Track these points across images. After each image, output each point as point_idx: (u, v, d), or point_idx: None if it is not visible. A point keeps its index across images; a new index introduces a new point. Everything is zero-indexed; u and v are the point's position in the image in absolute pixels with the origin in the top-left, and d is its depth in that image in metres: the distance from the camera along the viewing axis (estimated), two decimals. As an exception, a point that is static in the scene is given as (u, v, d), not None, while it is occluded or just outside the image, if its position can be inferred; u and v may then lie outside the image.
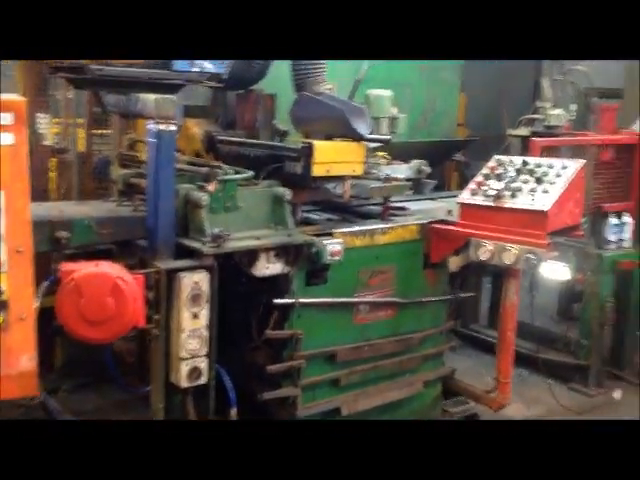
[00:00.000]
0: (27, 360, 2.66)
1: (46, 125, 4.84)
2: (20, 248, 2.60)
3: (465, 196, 4.01)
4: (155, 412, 3.35)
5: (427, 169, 4.68)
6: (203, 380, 3.37)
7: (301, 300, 3.72)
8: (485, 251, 3.83)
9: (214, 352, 3.41)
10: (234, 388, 3.63)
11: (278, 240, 3.59)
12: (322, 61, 4.46)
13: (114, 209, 3.70)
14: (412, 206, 4.54)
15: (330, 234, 3.79)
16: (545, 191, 3.82)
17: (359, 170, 3.93)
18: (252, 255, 3.54)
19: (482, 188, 3.97)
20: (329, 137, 3.96)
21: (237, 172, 3.74)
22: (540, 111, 5.63)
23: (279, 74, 4.81)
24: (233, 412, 3.62)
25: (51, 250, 3.24)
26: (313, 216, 4.31)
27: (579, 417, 4.78)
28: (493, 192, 3.90)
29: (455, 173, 6.98)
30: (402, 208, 4.40)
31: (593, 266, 5.10)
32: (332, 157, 3.81)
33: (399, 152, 4.64)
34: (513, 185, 3.88)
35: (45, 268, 3.02)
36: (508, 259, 3.77)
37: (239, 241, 3.49)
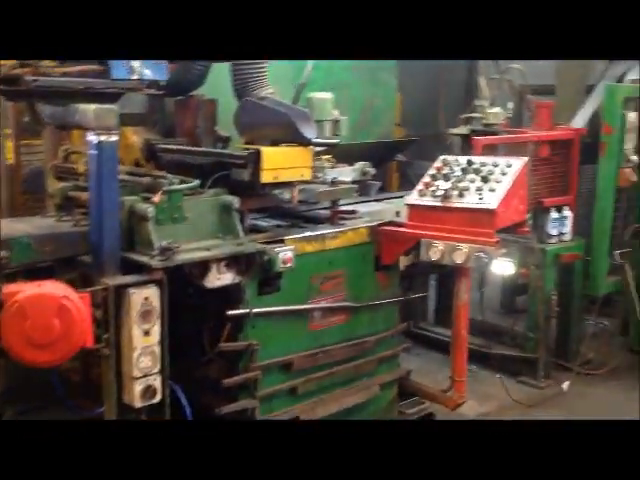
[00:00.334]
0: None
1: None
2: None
3: (413, 197, 4.01)
4: (109, 434, 3.22)
5: (372, 170, 4.68)
6: (157, 398, 3.25)
7: (255, 310, 3.64)
8: (436, 251, 3.85)
9: (167, 369, 3.31)
10: (188, 404, 3.54)
11: (229, 250, 3.50)
12: (263, 64, 4.40)
13: (54, 225, 3.54)
14: (359, 208, 4.51)
15: (281, 241, 3.73)
16: (492, 189, 3.85)
17: (307, 175, 3.89)
18: (203, 266, 3.44)
19: (430, 189, 3.98)
20: (275, 143, 3.90)
21: (182, 181, 3.64)
22: (478, 109, 5.69)
23: (219, 79, 4.73)
24: (189, 429, 3.52)
25: (-11, 271, 3.07)
26: (261, 223, 4.23)
27: (531, 410, 4.87)
28: (441, 192, 3.91)
29: (396, 173, 7.01)
30: (351, 211, 4.37)
31: (537, 260, 5.19)
32: (280, 163, 3.75)
33: (342, 154, 4.62)
34: (460, 185, 3.91)
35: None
36: (459, 258, 3.79)
37: (189, 253, 3.39)
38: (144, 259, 3.26)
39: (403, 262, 4.32)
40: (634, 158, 5.46)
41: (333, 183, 4.19)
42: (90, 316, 3.02)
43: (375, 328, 4.24)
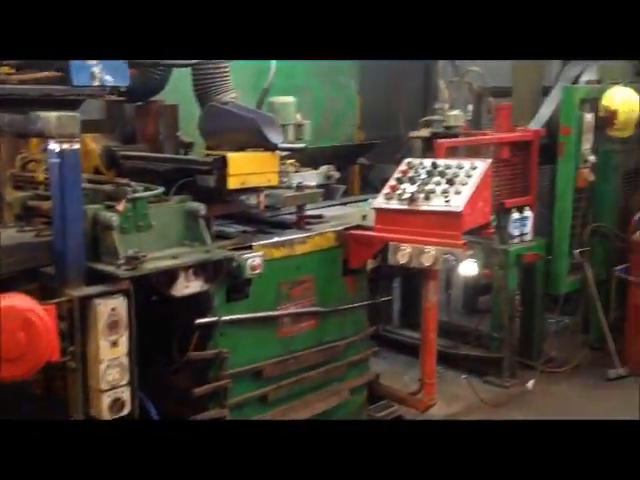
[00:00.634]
0: None
1: None
2: None
3: (380, 200, 4.02)
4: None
5: (336, 174, 4.68)
6: (126, 411, 3.18)
7: (224, 318, 3.61)
8: (404, 254, 3.86)
9: (136, 380, 3.24)
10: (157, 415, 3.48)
11: (197, 257, 3.45)
12: (226, 69, 4.37)
13: (14, 235, 3.43)
14: (325, 213, 4.51)
15: (249, 247, 3.69)
16: (457, 192, 3.88)
17: (274, 180, 3.86)
18: (170, 275, 3.38)
19: (396, 192, 3.99)
20: (241, 148, 3.86)
21: (146, 189, 3.57)
22: (438, 112, 5.74)
23: (180, 84, 4.68)
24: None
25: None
26: (227, 229, 4.19)
27: (496, 410, 4.92)
28: (407, 195, 3.92)
29: (358, 177, 7.02)
30: (318, 216, 4.35)
31: (500, 261, 5.25)
32: (247, 168, 3.72)
33: (305, 158, 4.61)
34: (426, 187, 3.93)
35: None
36: (427, 261, 3.80)
37: (156, 261, 3.32)
38: (110, 269, 3.19)
39: (368, 265, 4.32)
40: (591, 158, 5.56)
41: (299, 188, 4.17)
42: (56, 329, 2.93)
43: (344, 332, 4.24)
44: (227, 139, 3.92)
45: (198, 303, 3.59)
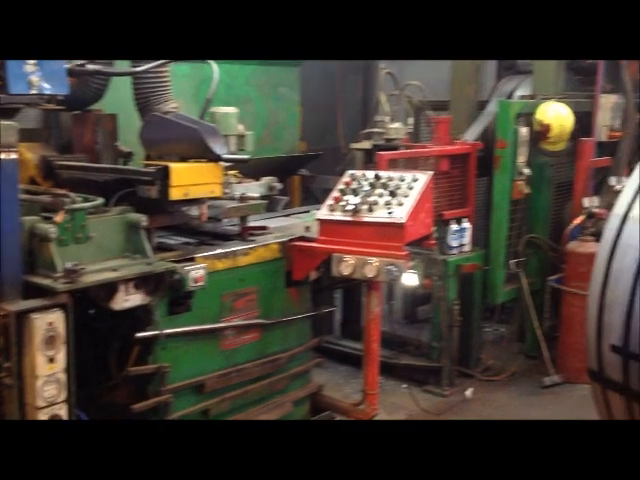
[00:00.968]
0: None
1: None
2: None
3: (324, 212, 4.03)
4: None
5: (278, 185, 4.67)
6: (64, 428, 3.10)
7: (165, 331, 3.54)
8: (347, 265, 3.87)
9: (74, 397, 3.15)
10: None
11: (138, 270, 3.39)
12: (166, 78, 4.32)
13: (-54, 248, 3.30)
14: (268, 224, 4.49)
15: (192, 259, 3.65)
16: (400, 203, 3.92)
17: (218, 191, 3.83)
18: (110, 288, 3.31)
19: (340, 203, 4.00)
20: (184, 158, 3.82)
21: (85, 199, 3.49)
22: (379, 125, 5.80)
23: (119, 93, 4.60)
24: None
25: None
26: (168, 241, 4.13)
27: (439, 417, 4.98)
28: (351, 207, 3.94)
29: (299, 188, 7.04)
30: (261, 227, 4.34)
31: (439, 271, 5.33)
32: (190, 179, 3.67)
33: (247, 169, 4.60)
34: (369, 199, 3.96)
35: None
36: (370, 272, 3.83)
37: (95, 274, 3.25)
38: (47, 282, 3.11)
39: (311, 277, 4.33)
40: (526, 171, 5.72)
41: (242, 199, 4.15)
42: (-10, 344, 2.83)
43: (288, 344, 4.23)
44: (169, 149, 3.87)
45: (138, 317, 3.52)
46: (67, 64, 3.68)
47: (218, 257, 3.80)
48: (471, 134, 6.11)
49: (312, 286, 4.43)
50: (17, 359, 2.98)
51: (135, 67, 4.14)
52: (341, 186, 4.13)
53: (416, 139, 6.52)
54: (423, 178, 4.11)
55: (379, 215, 3.88)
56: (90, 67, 4.00)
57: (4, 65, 3.20)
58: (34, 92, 3.33)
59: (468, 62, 6.49)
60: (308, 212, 5.11)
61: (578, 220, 5.80)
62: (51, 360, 3.04)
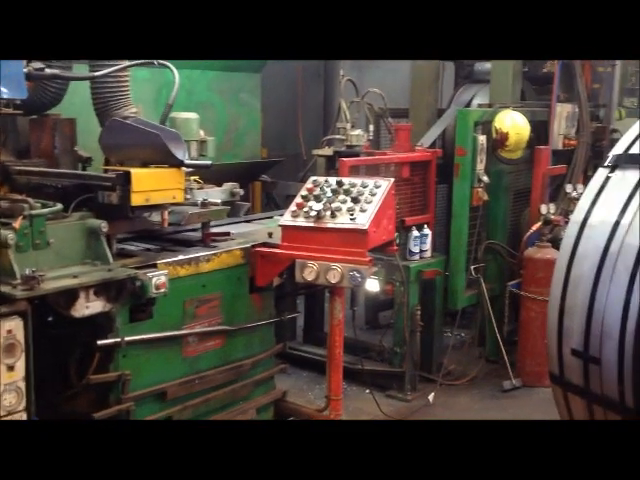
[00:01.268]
0: None
1: None
2: None
3: (287, 218, 4.02)
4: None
5: (240, 191, 4.66)
6: (23, 438, 3.02)
7: (127, 338, 3.49)
8: (311, 271, 3.86)
9: (33, 406, 3.09)
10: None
11: (99, 277, 3.33)
12: (126, 83, 4.28)
13: None
14: (230, 230, 4.46)
15: (154, 265, 3.60)
16: (363, 210, 3.93)
17: (180, 197, 3.80)
18: (70, 295, 3.26)
19: (302, 209, 4.00)
20: (145, 164, 3.77)
21: (44, 205, 3.43)
22: (340, 131, 5.83)
23: (77, 97, 4.55)
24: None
25: None
26: (129, 247, 4.07)
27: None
28: (314, 213, 3.94)
29: (260, 193, 7.03)
30: (224, 233, 4.31)
31: (401, 277, 5.36)
32: (151, 185, 3.63)
33: (209, 175, 4.57)
34: (332, 205, 3.96)
35: None
36: (333, 278, 3.83)
37: (55, 281, 3.19)
38: (5, 289, 3.03)
39: (274, 283, 4.32)
40: (485, 179, 5.80)
41: (204, 205, 4.12)
42: (-54, 353, 2.76)
43: (251, 350, 4.20)
44: (130, 155, 3.82)
45: (99, 324, 3.47)
46: (25, 68, 3.62)
47: (180, 263, 3.76)
48: (428, 139, 6.17)
49: (275, 292, 4.42)
50: (-26, 368, 2.91)
51: (94, 71, 4.09)
52: (304, 192, 4.12)
53: (377, 146, 6.57)
54: (385, 185, 4.12)
55: (342, 221, 3.89)
56: (48, 71, 3.94)
57: (-40, 69, 3.14)
58: (-9, 96, 3.27)
59: (427, 70, 6.58)
60: (271, 218, 5.11)
61: (535, 227, 5.91)
62: (10, 368, 2.98)
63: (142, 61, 4.21)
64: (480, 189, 5.80)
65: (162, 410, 3.72)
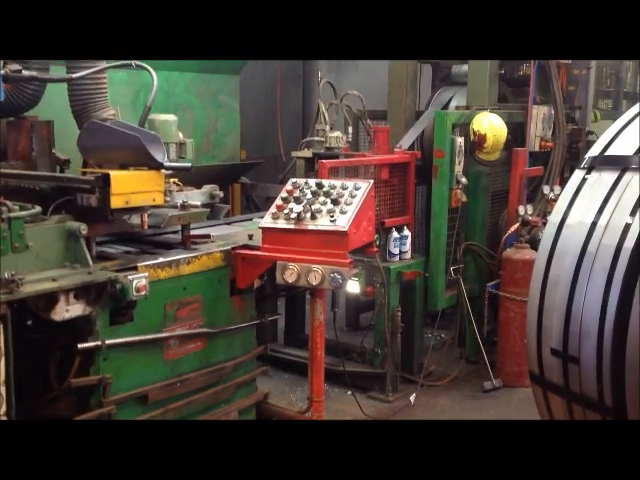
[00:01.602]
0: None
1: None
2: None
3: (267, 220, 4.02)
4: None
5: (220, 193, 4.65)
6: (2, 443, 2.99)
7: (107, 342, 3.47)
8: (292, 273, 3.87)
9: (13, 410, 3.06)
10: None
11: (78, 280, 3.32)
12: (103, 85, 4.25)
13: None
14: (210, 232, 4.45)
15: (134, 268, 3.59)
16: (343, 211, 3.95)
17: (159, 199, 3.79)
18: (50, 298, 3.23)
19: (283, 211, 4.01)
20: (124, 166, 3.75)
21: (22, 208, 3.40)
22: (319, 133, 5.84)
23: (54, 99, 4.51)
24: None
25: None
26: (108, 250, 4.05)
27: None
28: (294, 215, 3.95)
29: (239, 196, 7.01)
30: (205, 235, 4.30)
31: (381, 278, 5.38)
32: (131, 187, 3.62)
33: (188, 177, 4.56)
34: (312, 207, 3.97)
35: None
36: (314, 280, 3.84)
37: (34, 284, 3.17)
38: (-16, 293, 3.00)
39: (255, 285, 4.31)
40: (463, 180, 5.84)
41: (183, 207, 4.10)
42: None
43: (233, 353, 4.20)
44: (109, 157, 3.80)
45: (79, 327, 3.45)
46: (2, 70, 3.58)
47: (161, 266, 3.75)
48: (407, 141, 6.20)
49: (256, 294, 4.42)
50: (-48, 373, 2.88)
51: (72, 73, 4.06)
52: (284, 194, 4.13)
53: (356, 148, 6.59)
54: (365, 186, 4.14)
55: (322, 223, 3.90)
56: (26, 73, 3.90)
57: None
58: (-33, 98, 3.23)
59: (405, 73, 6.61)
60: (251, 220, 5.10)
61: (513, 228, 5.96)
62: (-11, 373, 2.95)
63: (120, 63, 4.20)
64: (459, 190, 5.84)
65: (144, 413, 3.71)
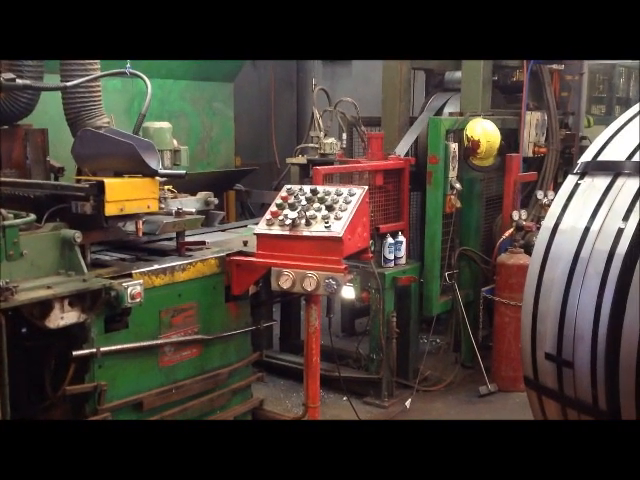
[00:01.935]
0: None
1: None
2: None
3: (262, 226, 4.03)
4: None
5: (214, 200, 4.66)
6: (-3, 451, 2.98)
7: (102, 349, 3.47)
8: (287, 279, 3.87)
9: (8, 416, 3.06)
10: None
11: (73, 287, 3.32)
12: (97, 93, 4.27)
13: None
14: (205, 239, 4.46)
15: (129, 275, 3.59)
16: (337, 217, 3.96)
17: (154, 206, 3.80)
18: (44, 306, 3.24)
19: (277, 218, 4.01)
20: (118, 174, 3.76)
21: (17, 216, 3.40)
22: (314, 140, 5.86)
23: (48, 108, 4.52)
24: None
25: None
26: (103, 257, 4.05)
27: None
28: (289, 221, 3.96)
29: (234, 202, 7.02)
30: (200, 242, 4.30)
31: (376, 284, 5.39)
32: (125, 195, 3.63)
33: (182, 184, 4.57)
34: (307, 213, 3.98)
35: None
36: (309, 286, 3.84)
37: (29, 292, 3.18)
38: (-22, 301, 3.00)
39: (250, 291, 4.32)
40: (457, 186, 5.86)
41: (178, 214, 4.11)
42: None
43: (228, 359, 4.20)
44: (103, 164, 3.81)
45: (74, 334, 3.45)
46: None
47: (156, 273, 3.75)
48: (402, 148, 6.22)
49: (251, 301, 4.42)
50: (-53, 381, 2.88)
51: (66, 82, 4.07)
52: (278, 200, 4.13)
53: (350, 154, 6.61)
54: (359, 192, 4.15)
55: (317, 229, 3.91)
56: (20, 82, 3.92)
57: None
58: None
59: (398, 79, 6.63)
60: (245, 227, 5.11)
61: (508, 233, 5.97)
62: (-17, 381, 2.94)
63: (114, 71, 4.22)
64: (453, 196, 5.85)
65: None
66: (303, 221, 3.96)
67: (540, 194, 6.21)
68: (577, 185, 3.44)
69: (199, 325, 3.99)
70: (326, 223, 3.93)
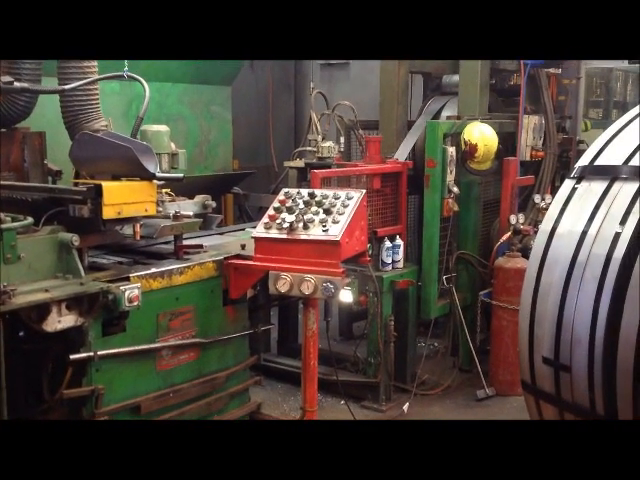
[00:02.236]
0: None
1: None
2: None
3: (259, 230, 4.03)
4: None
5: (212, 203, 4.67)
6: (-6, 455, 2.98)
7: (100, 352, 3.47)
8: (284, 283, 3.88)
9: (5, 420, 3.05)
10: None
11: (70, 290, 3.32)
12: (95, 96, 4.27)
13: None
14: (203, 242, 4.46)
15: (127, 278, 3.59)
16: (335, 221, 3.96)
17: (152, 210, 3.80)
18: (42, 309, 3.23)
19: (275, 221, 4.01)
20: (116, 177, 3.76)
21: (14, 219, 3.40)
22: (311, 143, 5.86)
23: (46, 111, 4.53)
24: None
25: None
26: (100, 260, 4.05)
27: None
28: (286, 225, 3.96)
29: (232, 206, 7.03)
30: (197, 245, 4.30)
31: (374, 288, 5.39)
32: (123, 198, 3.63)
33: (180, 188, 4.57)
34: (305, 217, 3.98)
35: None
36: (307, 289, 3.85)
37: (26, 295, 3.17)
38: (-24, 304, 3.00)
39: (248, 295, 4.32)
40: (455, 189, 5.86)
41: (176, 217, 4.11)
42: None
43: (226, 363, 4.20)
44: (101, 168, 3.81)
45: (72, 338, 3.45)
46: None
47: (153, 276, 3.75)
48: (401, 153, 6.22)
49: (249, 304, 4.42)
50: (-56, 384, 2.87)
51: (64, 85, 4.08)
52: (276, 204, 4.14)
53: (348, 158, 6.62)
54: (357, 196, 4.16)
55: (315, 233, 3.91)
56: (17, 85, 3.92)
57: None
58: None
59: (396, 82, 6.63)
60: (243, 230, 5.11)
61: (505, 237, 5.98)
62: (-20, 385, 2.94)
63: (112, 74, 4.22)
64: (450, 200, 5.86)
65: (136, 425, 3.69)
66: (301, 225, 3.96)
67: (537, 198, 6.22)
68: (574, 189, 3.45)
69: (197, 329, 3.99)
70: (324, 227, 3.93)
